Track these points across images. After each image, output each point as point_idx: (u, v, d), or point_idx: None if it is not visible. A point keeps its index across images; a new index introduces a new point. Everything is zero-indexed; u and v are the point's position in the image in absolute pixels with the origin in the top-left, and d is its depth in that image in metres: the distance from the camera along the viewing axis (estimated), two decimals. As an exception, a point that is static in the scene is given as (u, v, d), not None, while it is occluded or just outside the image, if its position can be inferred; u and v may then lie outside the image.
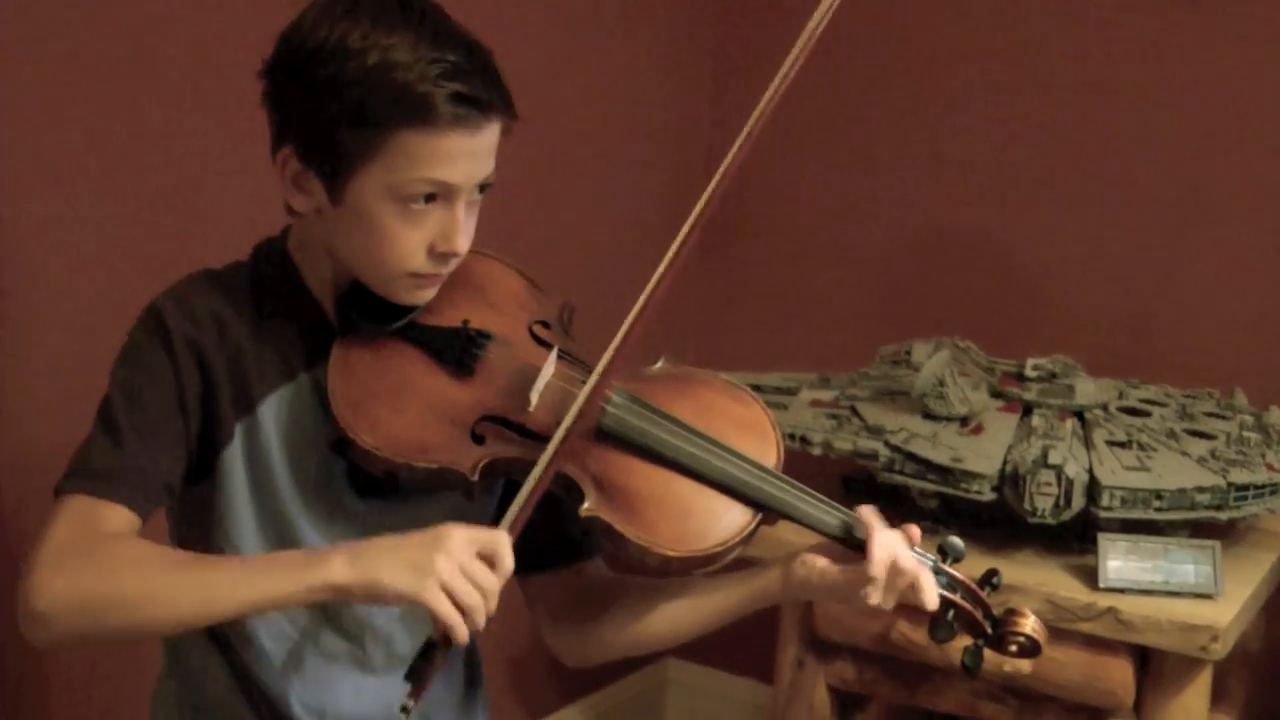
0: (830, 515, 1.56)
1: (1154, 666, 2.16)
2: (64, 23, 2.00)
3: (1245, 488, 2.19)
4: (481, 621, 1.36)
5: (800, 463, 2.35)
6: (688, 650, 3.20)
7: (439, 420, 1.52)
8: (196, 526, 1.55)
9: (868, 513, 1.55)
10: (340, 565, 1.36)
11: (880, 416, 2.32)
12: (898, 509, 2.29)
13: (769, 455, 1.58)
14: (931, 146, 2.86)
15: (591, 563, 1.68)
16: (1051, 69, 2.74)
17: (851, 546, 1.55)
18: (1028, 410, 2.33)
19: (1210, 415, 2.38)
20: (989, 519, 2.27)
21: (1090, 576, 2.16)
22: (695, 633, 1.63)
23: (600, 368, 1.49)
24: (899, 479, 2.25)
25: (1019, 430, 2.27)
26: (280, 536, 1.54)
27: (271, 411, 1.52)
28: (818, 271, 3.00)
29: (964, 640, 1.61)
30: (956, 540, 1.57)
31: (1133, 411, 2.36)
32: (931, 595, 1.53)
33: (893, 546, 1.52)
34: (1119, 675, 2.15)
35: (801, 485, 1.57)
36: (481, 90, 1.43)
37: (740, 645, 2.91)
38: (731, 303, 3.10)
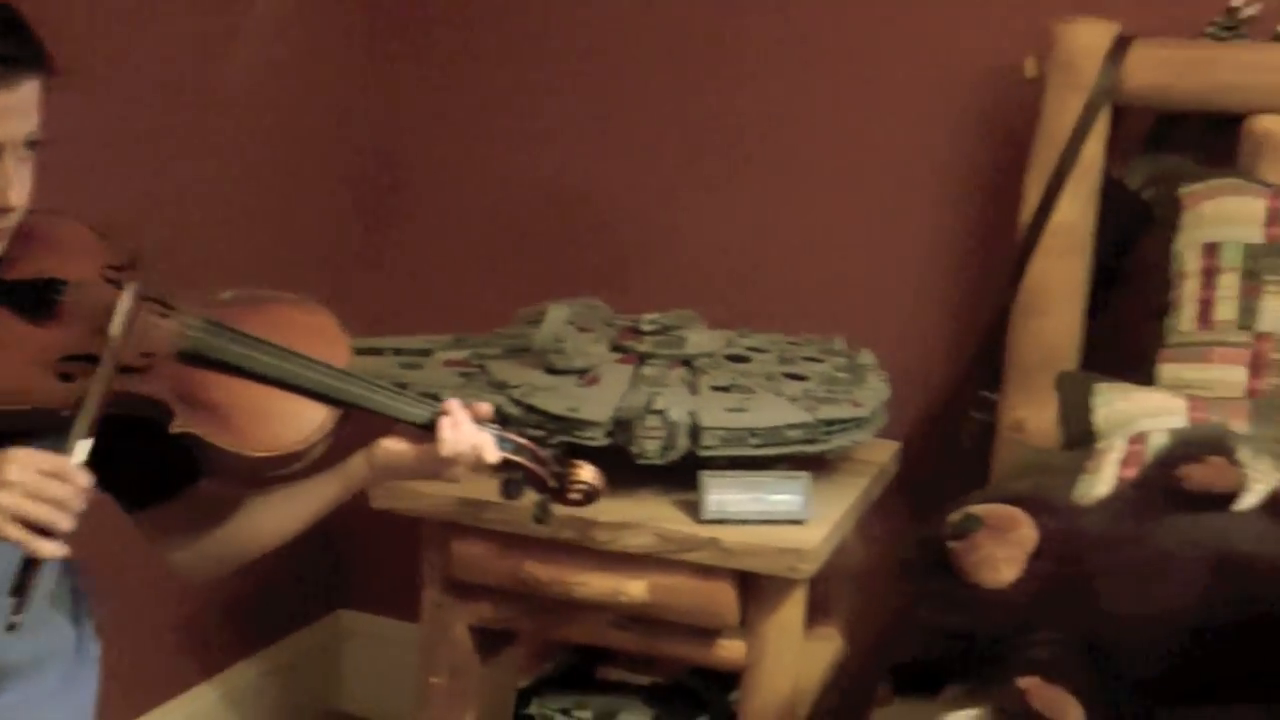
0: (401, 403, 1.74)
1: (755, 587, 2.32)
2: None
3: (833, 423, 2.36)
4: (63, 528, 1.46)
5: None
6: (360, 600, 3.30)
7: (25, 365, 1.60)
8: None
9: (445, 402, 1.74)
10: None
11: (506, 372, 2.43)
12: (528, 456, 2.43)
13: (339, 357, 1.74)
14: (568, 115, 2.97)
15: (199, 486, 1.78)
16: (669, 42, 2.88)
17: (425, 428, 1.73)
18: (644, 361, 2.48)
19: (808, 359, 2.55)
20: (611, 462, 2.39)
21: (696, 510, 2.31)
22: (302, 525, 1.80)
23: (132, 288, 1.61)
24: (523, 430, 2.37)
25: (632, 380, 2.41)
26: None
27: None
28: (468, 239, 3.09)
29: (533, 497, 1.83)
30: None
31: (738, 359, 2.50)
32: (493, 453, 1.74)
33: (458, 422, 1.71)
34: (724, 598, 2.30)
35: (375, 379, 1.74)
36: (10, 49, 1.49)
37: (407, 593, 3.02)
38: (385, 270, 3.16)
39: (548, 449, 1.80)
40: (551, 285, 2.85)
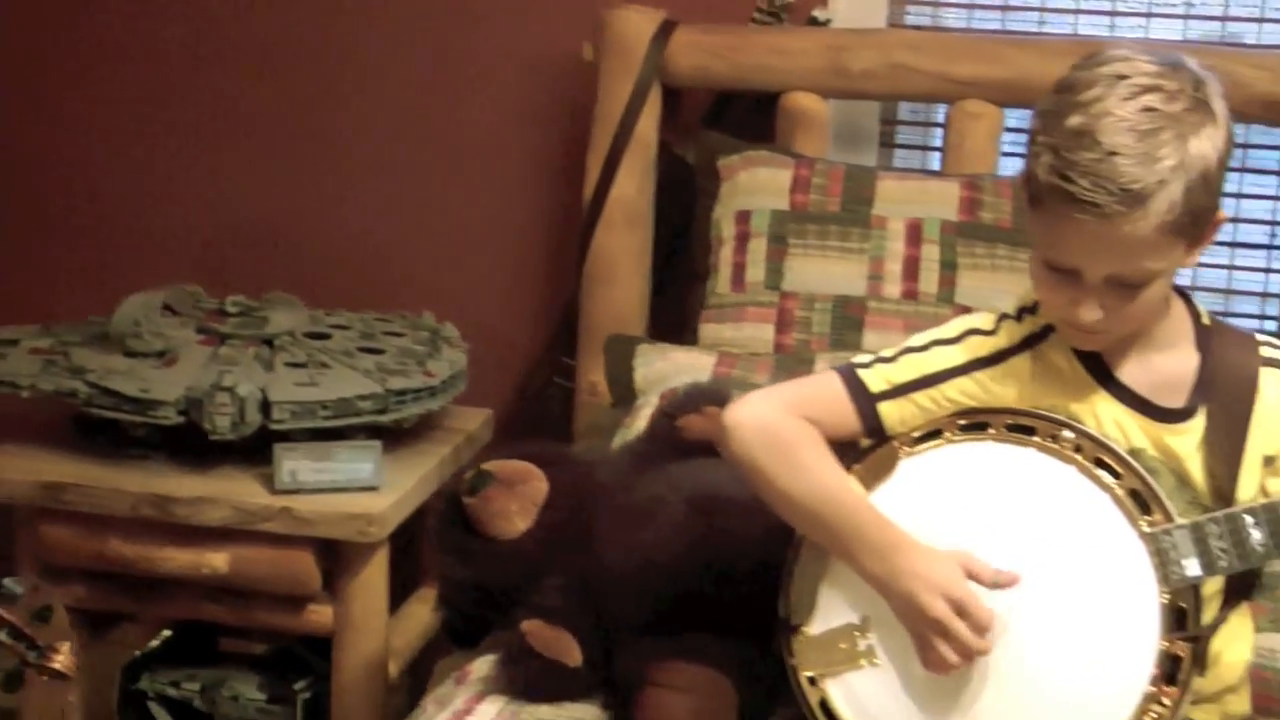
0: None
1: (337, 554, 2.34)
2: None
3: (403, 393, 2.41)
4: None
5: (23, 407, 2.45)
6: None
7: None
8: None
9: None
10: None
11: (86, 358, 2.41)
12: (119, 438, 2.42)
13: None
14: (175, 116, 2.96)
15: None
16: (268, 42, 2.89)
17: None
18: (224, 341, 2.48)
19: (391, 334, 2.59)
20: (197, 440, 2.40)
21: (272, 482, 2.33)
22: None
23: None
24: (101, 413, 2.36)
25: (210, 360, 2.42)
26: None
27: None
28: (76, 233, 3.05)
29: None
30: (11, 585, 1.74)
31: (319, 336, 2.53)
32: None
33: None
34: (303, 565, 2.32)
35: None
36: None
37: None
38: (18, 260, 3.13)
39: (37, 622, 1.79)
40: (167, 275, 2.84)
